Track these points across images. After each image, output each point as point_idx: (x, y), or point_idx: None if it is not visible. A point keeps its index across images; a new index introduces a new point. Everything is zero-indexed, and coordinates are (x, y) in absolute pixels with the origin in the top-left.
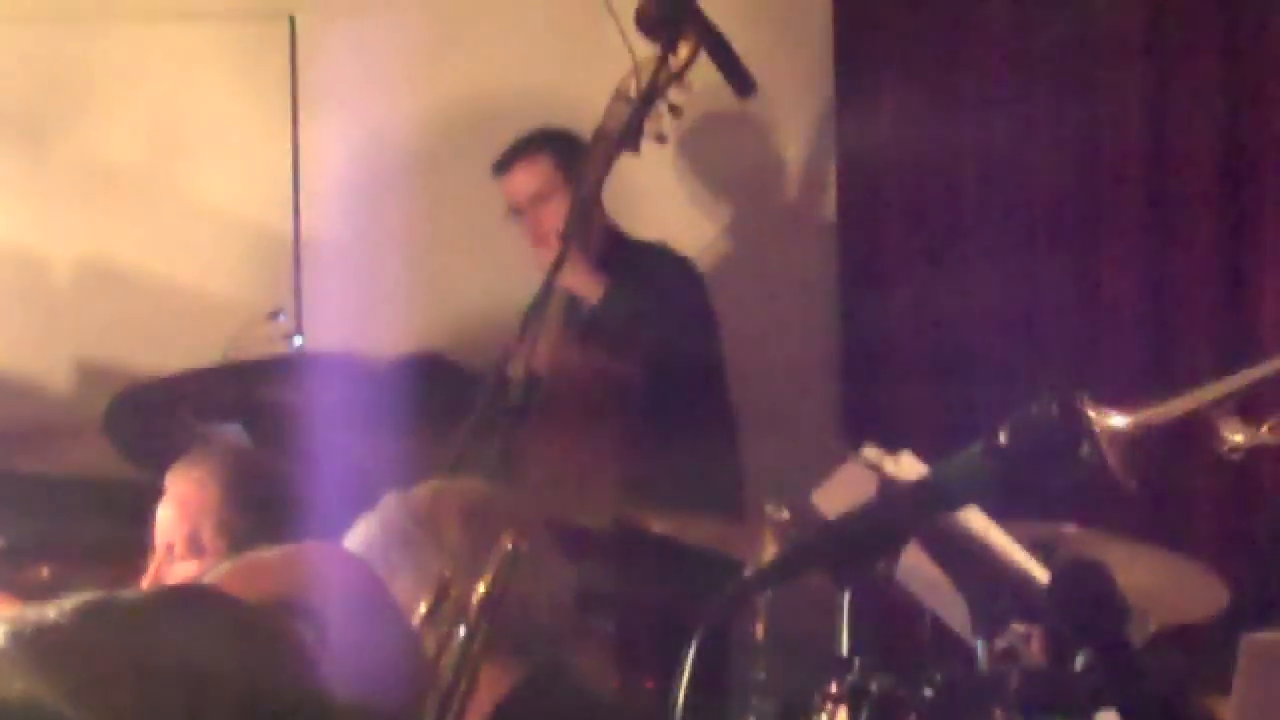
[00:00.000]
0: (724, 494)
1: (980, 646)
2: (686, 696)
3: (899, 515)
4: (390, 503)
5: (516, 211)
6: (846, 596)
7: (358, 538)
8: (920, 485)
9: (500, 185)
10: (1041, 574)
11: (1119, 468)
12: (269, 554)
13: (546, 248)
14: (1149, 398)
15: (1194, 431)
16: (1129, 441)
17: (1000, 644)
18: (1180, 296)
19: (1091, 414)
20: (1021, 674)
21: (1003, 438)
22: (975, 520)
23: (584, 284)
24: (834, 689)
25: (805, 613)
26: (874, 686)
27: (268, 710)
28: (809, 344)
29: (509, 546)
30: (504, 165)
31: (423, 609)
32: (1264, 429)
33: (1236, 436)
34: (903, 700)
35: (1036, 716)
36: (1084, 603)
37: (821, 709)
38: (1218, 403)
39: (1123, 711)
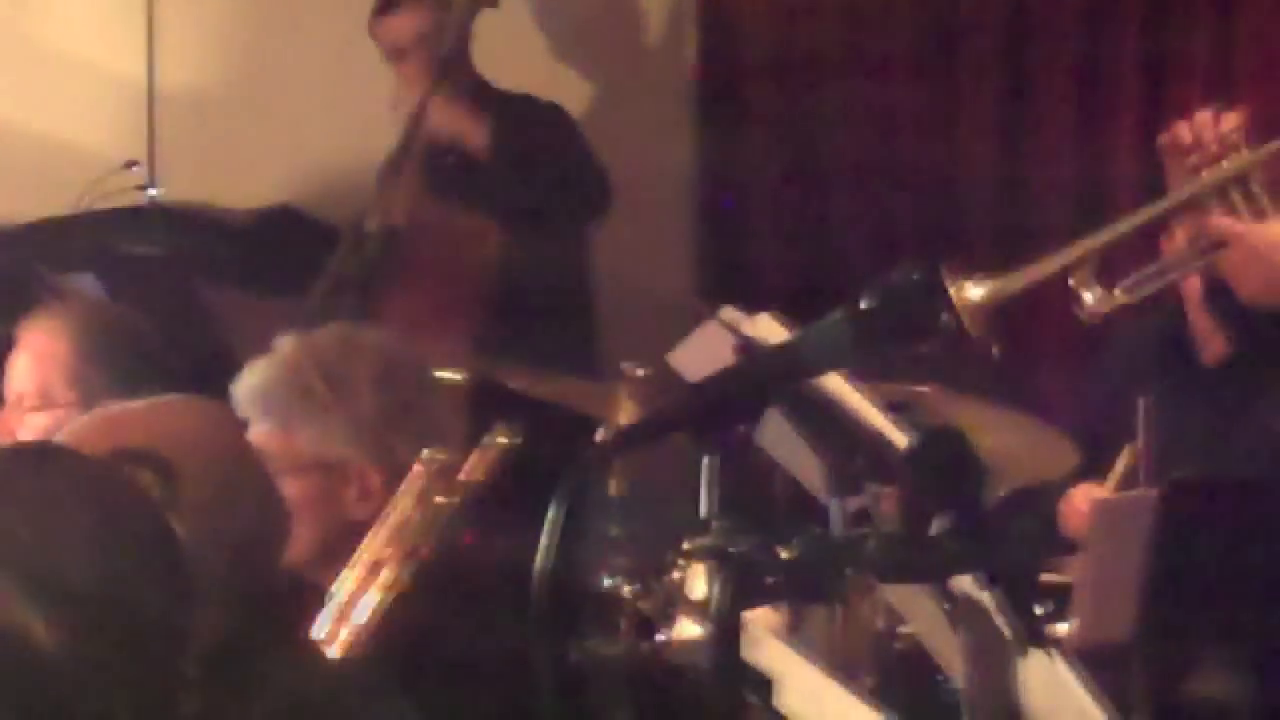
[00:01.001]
0: (580, 351)
1: (834, 507)
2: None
3: (761, 380)
4: (292, 349)
5: (398, 54)
6: (706, 460)
7: (254, 381)
8: (782, 350)
9: (382, 26)
10: (899, 437)
11: (977, 336)
12: (126, 406)
13: (417, 95)
14: (1004, 260)
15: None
16: (986, 310)
17: (854, 504)
18: (1037, 153)
19: (949, 286)
20: (879, 538)
21: (864, 304)
22: (833, 383)
23: (465, 125)
24: (688, 546)
25: (659, 469)
26: (733, 549)
27: (121, 565)
28: (666, 202)
29: (503, 441)
30: (389, 5)
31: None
32: (1116, 292)
33: (1089, 299)
34: (761, 563)
35: (893, 580)
36: (942, 468)
37: (675, 566)
38: (1072, 266)
39: (977, 576)
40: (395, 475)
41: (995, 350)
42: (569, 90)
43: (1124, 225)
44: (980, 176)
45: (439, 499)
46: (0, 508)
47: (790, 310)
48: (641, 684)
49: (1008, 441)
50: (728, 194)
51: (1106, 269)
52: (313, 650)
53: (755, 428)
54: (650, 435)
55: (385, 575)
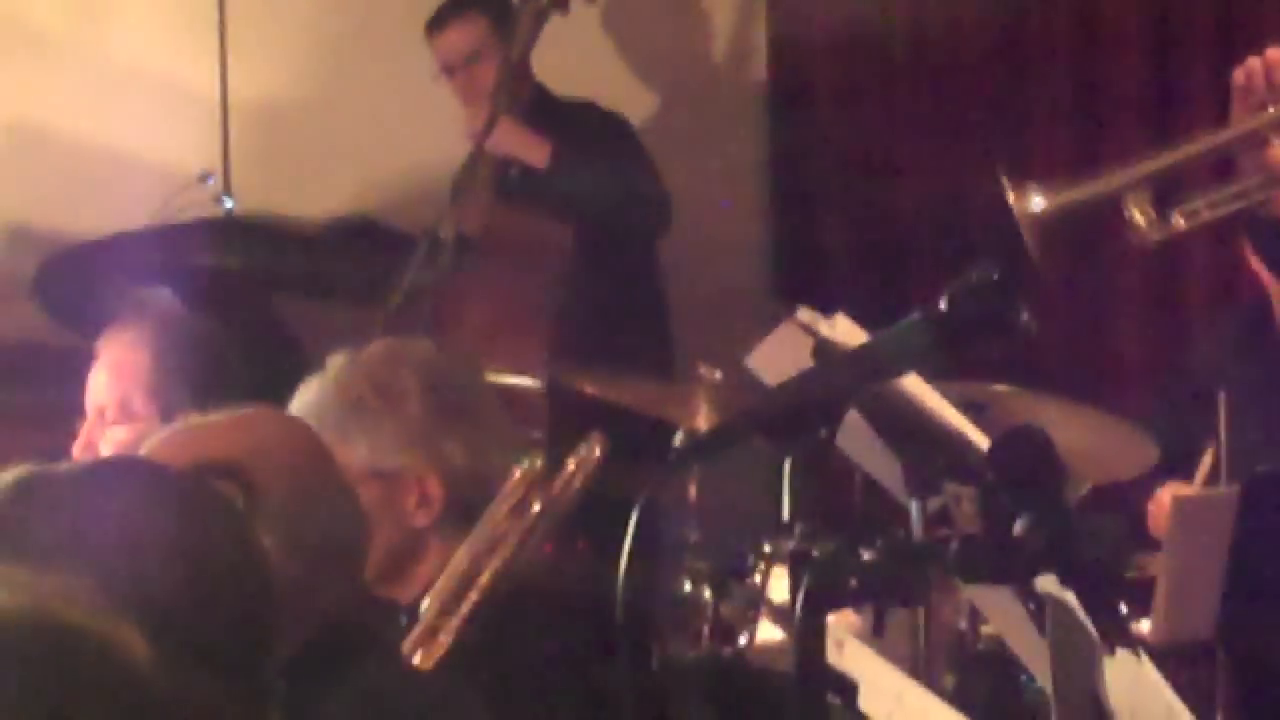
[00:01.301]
0: (656, 356)
1: (914, 507)
2: (628, 562)
3: (840, 383)
4: (343, 365)
5: (449, 71)
6: (787, 463)
7: (308, 399)
8: (861, 353)
9: (433, 44)
10: (978, 437)
11: (1037, 254)
12: (205, 419)
13: (479, 107)
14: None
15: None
16: (1049, 224)
17: (934, 505)
18: (1107, 146)
19: (1011, 194)
20: (961, 540)
21: (943, 305)
22: (912, 384)
23: (525, 147)
24: (768, 549)
25: (737, 474)
26: (815, 551)
27: (207, 576)
28: (741, 207)
29: (596, 452)
30: (438, 23)
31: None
32: (1176, 217)
33: (1144, 223)
34: (843, 566)
35: (976, 582)
36: (1023, 468)
37: (756, 569)
38: (1134, 183)
39: (1062, 576)
40: (453, 480)
41: (1051, 273)
42: (641, 94)
43: (1187, 149)
44: (1050, 170)
45: (536, 508)
46: (86, 522)
47: (864, 309)
48: (723, 689)
49: (1086, 439)
50: (804, 203)
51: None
52: (396, 661)
53: (835, 430)
54: (729, 439)
55: (479, 586)
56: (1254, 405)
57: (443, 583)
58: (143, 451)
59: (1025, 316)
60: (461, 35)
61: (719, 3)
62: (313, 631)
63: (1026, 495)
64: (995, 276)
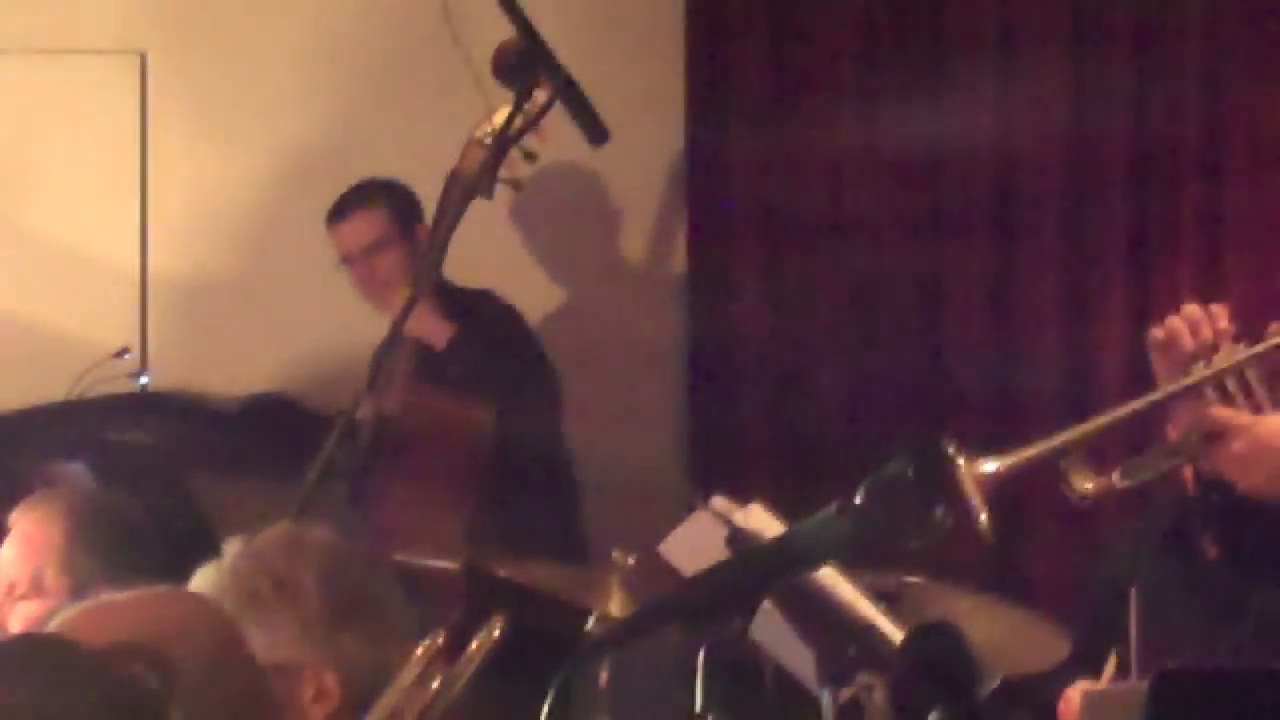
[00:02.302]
0: (568, 540)
1: (826, 697)
2: None
3: (755, 574)
4: (240, 554)
5: (347, 261)
6: (701, 652)
7: (204, 586)
8: (776, 545)
9: (334, 234)
10: (891, 629)
11: (980, 516)
12: (119, 598)
13: (376, 298)
14: (994, 436)
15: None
16: (994, 486)
17: (845, 694)
18: (1025, 323)
19: (959, 460)
20: None
21: (859, 500)
22: (825, 575)
23: (430, 329)
24: None
25: (648, 660)
26: None
27: None
28: (658, 389)
29: (496, 633)
30: (339, 213)
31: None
32: (1114, 476)
33: (1087, 485)
34: None
35: None
36: (936, 662)
37: None
38: (1072, 446)
39: None
40: (350, 674)
41: (989, 535)
42: (559, 272)
43: (1120, 412)
44: (968, 345)
45: (435, 684)
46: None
47: (780, 493)
48: None
49: (997, 632)
50: (720, 384)
51: (1096, 455)
52: None
53: (749, 620)
54: (645, 627)
55: None
56: (1166, 603)
57: None
58: (54, 628)
59: (940, 513)
60: (363, 226)
61: (640, 186)
62: None
63: (939, 689)
64: (911, 472)
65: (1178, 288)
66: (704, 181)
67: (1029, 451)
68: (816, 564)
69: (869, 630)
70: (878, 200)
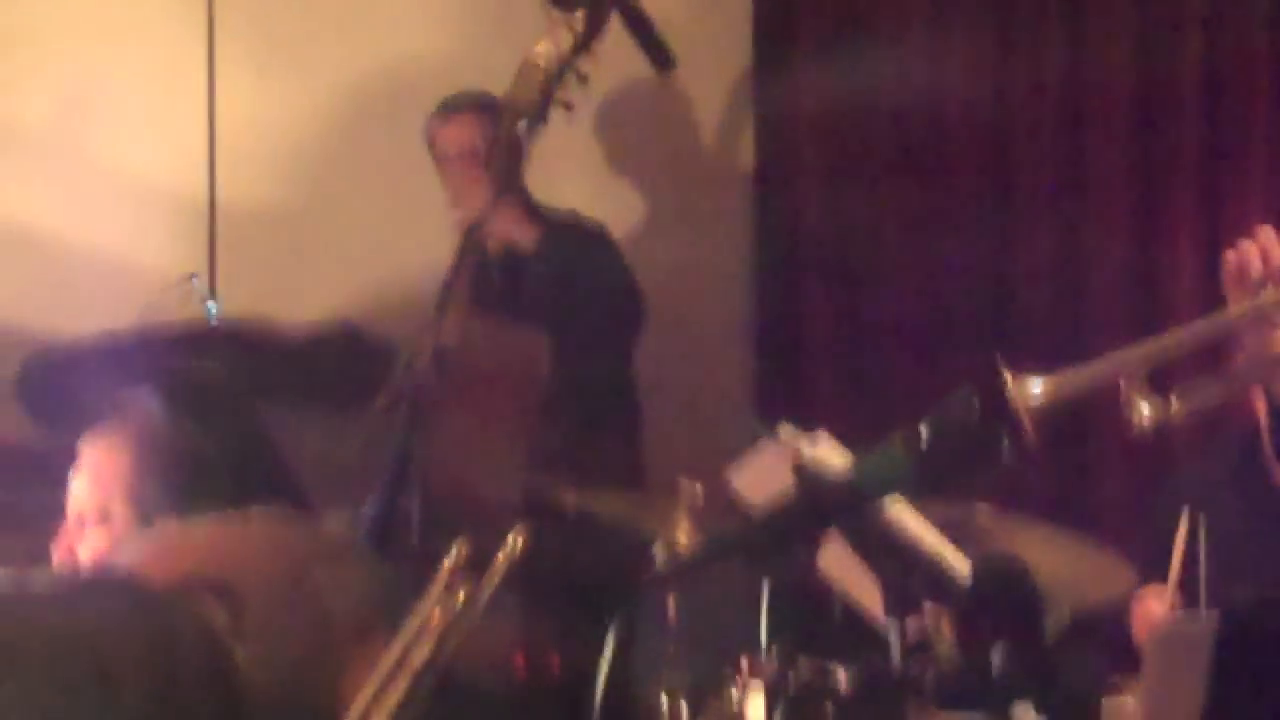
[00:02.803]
0: (631, 468)
1: (892, 629)
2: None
3: (822, 507)
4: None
5: (446, 159)
6: (766, 585)
7: None
8: (841, 479)
9: (441, 132)
10: (959, 561)
11: (1029, 434)
12: (187, 529)
13: (466, 205)
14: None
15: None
16: (1043, 408)
17: (912, 627)
18: (1095, 262)
19: (1007, 378)
20: (938, 667)
21: (923, 434)
22: (894, 508)
23: (517, 232)
24: (746, 666)
25: (716, 588)
26: (792, 678)
27: (178, 696)
28: (723, 317)
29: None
30: (452, 109)
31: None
32: (1172, 403)
33: (1145, 409)
34: (820, 692)
35: (952, 709)
36: (1002, 597)
37: (733, 684)
38: (1131, 368)
39: (1038, 705)
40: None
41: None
42: (625, 202)
43: (1182, 334)
44: (1036, 275)
45: (461, 594)
46: (62, 635)
47: (845, 419)
48: None
49: (1063, 564)
50: (788, 312)
51: (1159, 381)
52: None
53: (815, 553)
54: (713, 559)
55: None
56: (1235, 535)
57: (374, 675)
58: (124, 561)
59: (1006, 447)
60: (475, 126)
61: (707, 107)
62: None
63: (1004, 623)
64: (977, 405)
65: (1249, 210)
66: (773, 111)
67: (1086, 371)
68: (880, 496)
69: (935, 562)
70: (945, 124)
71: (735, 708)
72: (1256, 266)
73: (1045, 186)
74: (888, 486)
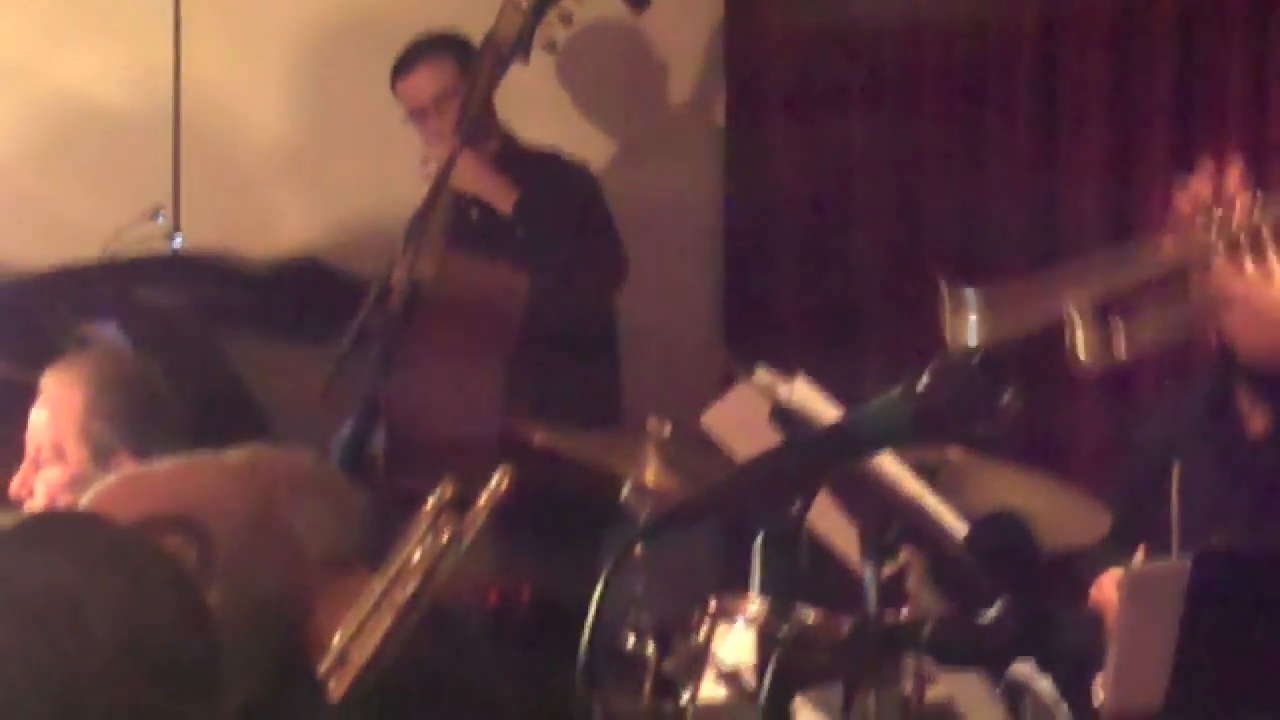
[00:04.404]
0: (606, 407)
1: (869, 573)
2: (592, 631)
3: (817, 458)
4: None
5: (419, 113)
6: (760, 537)
7: None
8: (838, 429)
9: (401, 88)
10: (937, 506)
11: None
12: (153, 468)
13: (438, 157)
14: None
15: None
16: (978, 323)
17: (888, 570)
18: (1067, 195)
19: (943, 289)
20: (936, 622)
21: (922, 385)
22: (885, 462)
23: (493, 190)
24: (713, 606)
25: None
26: (787, 629)
27: (152, 638)
28: (692, 253)
29: (504, 485)
30: (407, 65)
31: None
32: (1119, 338)
33: (1084, 345)
34: (817, 643)
35: (950, 664)
36: (1002, 553)
37: (700, 626)
38: (1077, 294)
39: (1038, 661)
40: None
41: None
42: (596, 140)
43: (1128, 271)
44: (1008, 211)
45: (446, 533)
46: (28, 577)
47: (816, 362)
48: None
49: (1038, 506)
50: (757, 254)
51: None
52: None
53: (809, 506)
54: (702, 511)
55: (390, 611)
56: (1207, 478)
57: (355, 611)
58: (87, 502)
59: (1009, 397)
60: (433, 76)
61: (679, 47)
62: (256, 683)
63: (1005, 579)
64: (979, 356)
65: (1223, 144)
66: (742, 47)
67: (1024, 286)
68: (878, 448)
69: (914, 507)
70: (918, 62)
71: (703, 647)
72: (1204, 199)
73: (1018, 120)
74: (885, 437)
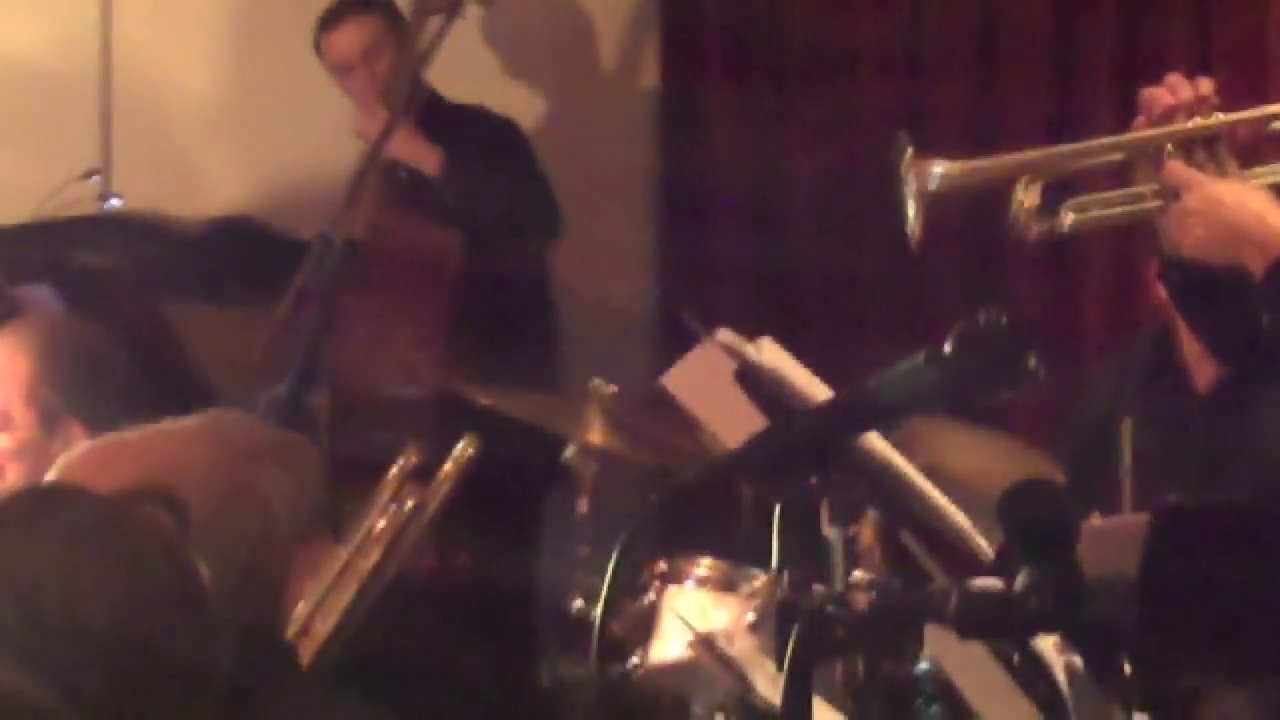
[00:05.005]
0: (543, 367)
1: (835, 536)
2: (604, 615)
3: (838, 426)
4: None
5: (343, 69)
6: (778, 509)
7: None
8: (861, 397)
9: (327, 43)
10: (906, 467)
11: (919, 231)
12: (123, 436)
13: (375, 106)
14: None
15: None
16: (939, 192)
17: (852, 532)
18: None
19: (908, 153)
20: (961, 593)
21: (948, 350)
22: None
23: (419, 155)
24: (663, 567)
25: (630, 489)
26: (805, 602)
27: (147, 613)
28: (629, 216)
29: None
30: (333, 20)
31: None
32: (1065, 212)
33: (1027, 207)
34: (834, 616)
35: (974, 638)
36: (1032, 522)
37: (650, 587)
38: (1027, 168)
39: (1067, 636)
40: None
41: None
42: (530, 101)
43: (1084, 146)
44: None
45: (410, 503)
46: (14, 554)
47: (752, 319)
48: (613, 708)
49: (990, 463)
50: (690, 202)
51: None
52: (314, 678)
53: (827, 476)
54: (722, 478)
55: (354, 581)
56: (1157, 433)
57: (319, 580)
58: (57, 474)
59: (1034, 363)
60: (357, 32)
61: (609, 9)
62: (236, 654)
63: (1036, 551)
64: (1005, 320)
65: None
66: (677, 5)
67: (986, 162)
68: (903, 416)
69: (883, 469)
70: (857, 28)
71: (650, 609)
72: (1167, 98)
73: (955, 82)
74: (910, 404)
